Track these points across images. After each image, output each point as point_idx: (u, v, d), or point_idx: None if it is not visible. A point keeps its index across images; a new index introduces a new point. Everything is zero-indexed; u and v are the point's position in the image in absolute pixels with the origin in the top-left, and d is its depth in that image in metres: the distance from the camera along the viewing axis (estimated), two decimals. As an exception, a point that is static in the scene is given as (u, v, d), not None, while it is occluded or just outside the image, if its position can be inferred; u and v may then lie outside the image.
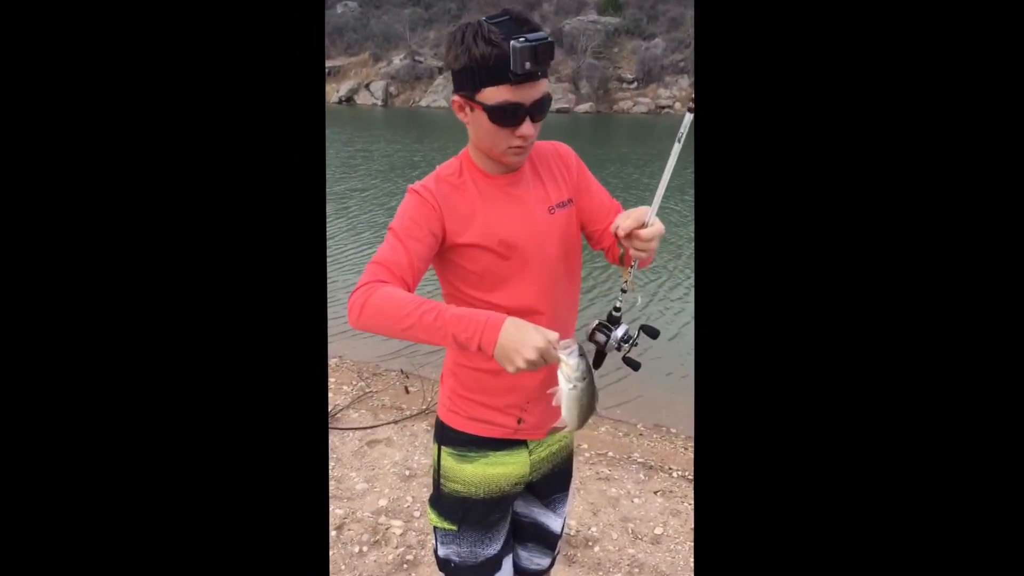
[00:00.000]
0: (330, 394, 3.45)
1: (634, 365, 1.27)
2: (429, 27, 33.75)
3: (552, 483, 1.38)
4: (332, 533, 2.31)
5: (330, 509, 2.44)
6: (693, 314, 3.79)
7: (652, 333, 1.28)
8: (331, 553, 2.21)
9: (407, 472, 2.70)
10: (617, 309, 1.24)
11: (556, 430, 1.24)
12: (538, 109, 1.08)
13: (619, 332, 1.23)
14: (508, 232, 1.17)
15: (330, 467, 2.74)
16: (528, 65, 1.00)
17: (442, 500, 1.31)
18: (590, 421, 1.18)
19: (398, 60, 31.74)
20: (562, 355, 0.96)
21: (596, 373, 1.09)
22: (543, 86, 1.07)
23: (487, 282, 1.18)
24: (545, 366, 0.96)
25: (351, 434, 3.02)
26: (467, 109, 1.10)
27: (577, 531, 2.37)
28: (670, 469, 2.83)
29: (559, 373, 1.00)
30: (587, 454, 2.94)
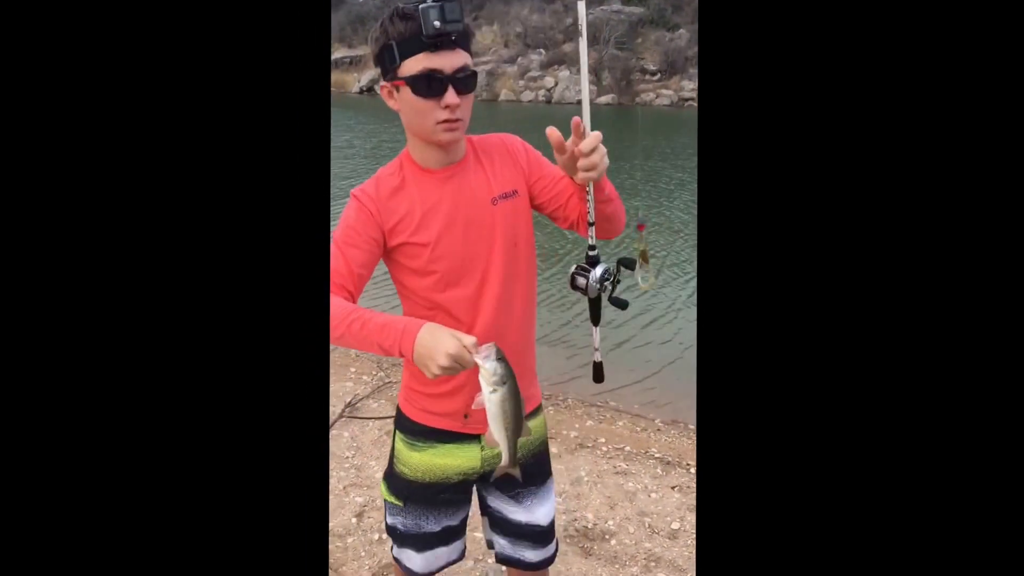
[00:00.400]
0: (350, 384, 3.50)
1: (621, 304, 1.25)
2: (451, 17, 33.42)
3: (514, 479, 1.35)
4: (352, 520, 2.35)
5: (350, 497, 2.48)
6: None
7: (629, 264, 1.25)
8: (351, 540, 2.25)
9: (426, 462, 2.73)
10: (592, 248, 1.21)
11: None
12: (461, 80, 1.07)
13: (598, 271, 1.21)
14: (444, 226, 1.16)
15: (350, 456, 2.78)
16: (438, 24, 1.01)
17: (393, 477, 1.37)
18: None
19: (420, 50, 31.45)
20: (478, 359, 0.95)
21: (604, 341, 1.05)
22: (463, 57, 1.07)
23: (430, 278, 1.18)
24: (464, 370, 0.96)
25: (371, 423, 3.06)
26: (394, 93, 1.10)
27: (594, 524, 2.39)
28: (688, 465, 2.83)
29: (480, 378, 0.98)
30: (604, 448, 2.95)
